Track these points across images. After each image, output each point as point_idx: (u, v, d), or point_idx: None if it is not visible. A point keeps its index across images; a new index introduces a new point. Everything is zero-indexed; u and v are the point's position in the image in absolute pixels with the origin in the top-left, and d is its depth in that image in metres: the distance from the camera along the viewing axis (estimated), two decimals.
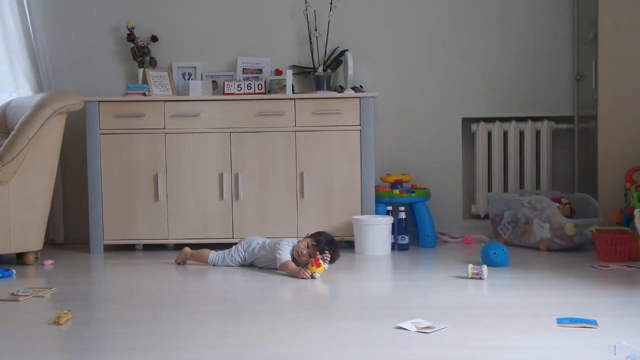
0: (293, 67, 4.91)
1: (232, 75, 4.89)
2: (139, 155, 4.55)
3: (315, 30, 4.85)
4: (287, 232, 4.44)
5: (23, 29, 4.76)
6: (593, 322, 2.71)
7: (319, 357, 2.44)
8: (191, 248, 4.21)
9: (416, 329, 2.67)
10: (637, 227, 3.97)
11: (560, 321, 2.75)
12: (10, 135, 4.15)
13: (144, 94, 4.65)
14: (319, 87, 4.70)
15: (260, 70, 4.89)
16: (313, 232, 3.96)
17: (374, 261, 4.21)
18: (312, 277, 3.64)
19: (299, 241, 3.90)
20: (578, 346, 2.47)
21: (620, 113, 4.50)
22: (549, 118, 4.99)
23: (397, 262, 4.19)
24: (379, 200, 4.60)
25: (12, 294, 3.35)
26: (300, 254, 3.82)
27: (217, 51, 4.98)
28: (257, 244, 4.00)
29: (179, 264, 4.15)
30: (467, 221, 5.05)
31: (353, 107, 4.53)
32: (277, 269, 3.83)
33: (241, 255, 4.02)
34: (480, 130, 4.98)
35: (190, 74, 4.92)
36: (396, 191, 4.62)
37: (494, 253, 3.87)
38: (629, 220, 4.18)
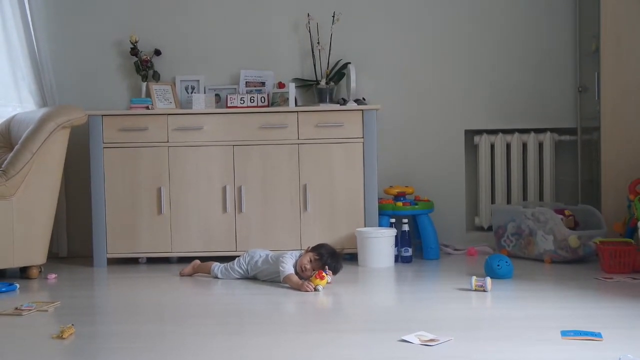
0: (296, 80, 4.92)
1: (235, 89, 4.90)
2: (143, 169, 4.56)
3: (318, 43, 4.86)
4: (290, 244, 4.44)
5: (27, 43, 4.78)
6: (598, 335, 2.71)
7: None
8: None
9: (420, 342, 2.67)
10: None
11: (564, 334, 2.74)
12: (14, 150, 4.16)
13: (147, 108, 4.66)
14: (321, 100, 4.71)
15: (263, 83, 4.90)
16: (314, 246, 3.94)
17: (377, 273, 4.20)
18: (315, 289, 3.64)
19: (300, 255, 3.89)
20: (583, 359, 2.46)
21: (623, 124, 4.50)
22: (552, 130, 4.99)
23: (400, 275, 4.19)
24: (382, 212, 4.59)
25: (16, 308, 3.35)
26: (303, 268, 3.81)
27: (220, 64, 5.00)
28: (260, 256, 4.00)
29: (182, 275, 4.16)
30: (470, 233, 5.05)
31: (356, 120, 4.53)
32: (280, 282, 3.83)
33: (243, 268, 4.02)
34: (483, 142, 4.98)
35: (193, 88, 4.93)
36: (399, 203, 4.62)
37: (498, 265, 3.87)
38: (632, 231, 4.17)
